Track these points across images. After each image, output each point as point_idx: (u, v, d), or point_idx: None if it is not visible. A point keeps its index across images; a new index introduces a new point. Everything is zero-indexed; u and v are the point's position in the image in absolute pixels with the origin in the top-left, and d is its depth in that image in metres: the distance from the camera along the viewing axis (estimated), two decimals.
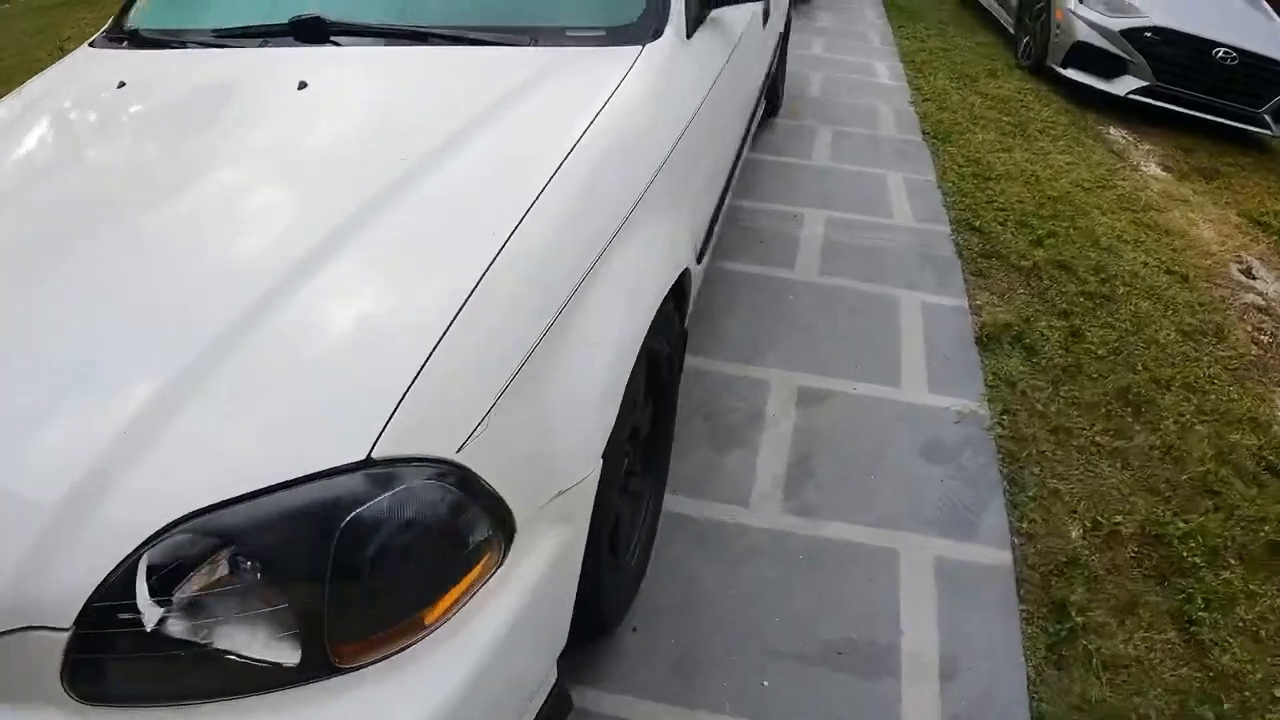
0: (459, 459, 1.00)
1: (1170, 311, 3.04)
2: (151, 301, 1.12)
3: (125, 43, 2.01)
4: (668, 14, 1.86)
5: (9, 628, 0.89)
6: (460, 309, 1.08)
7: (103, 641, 0.91)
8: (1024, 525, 2.03)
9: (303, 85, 1.64)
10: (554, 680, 1.28)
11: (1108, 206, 3.85)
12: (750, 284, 2.93)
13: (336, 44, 1.80)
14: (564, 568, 1.23)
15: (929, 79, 5.50)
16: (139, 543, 0.89)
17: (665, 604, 1.78)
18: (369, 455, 0.93)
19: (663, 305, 1.56)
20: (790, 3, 4.45)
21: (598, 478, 1.27)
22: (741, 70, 2.49)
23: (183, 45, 1.93)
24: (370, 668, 0.96)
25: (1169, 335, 2.88)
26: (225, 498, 0.90)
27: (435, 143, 1.41)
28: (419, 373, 1.00)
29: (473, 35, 1.78)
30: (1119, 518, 2.07)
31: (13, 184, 1.51)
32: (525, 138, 1.46)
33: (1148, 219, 3.78)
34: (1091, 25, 5.08)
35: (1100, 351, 2.72)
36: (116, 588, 0.89)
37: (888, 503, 2.05)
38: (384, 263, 1.17)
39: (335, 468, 0.92)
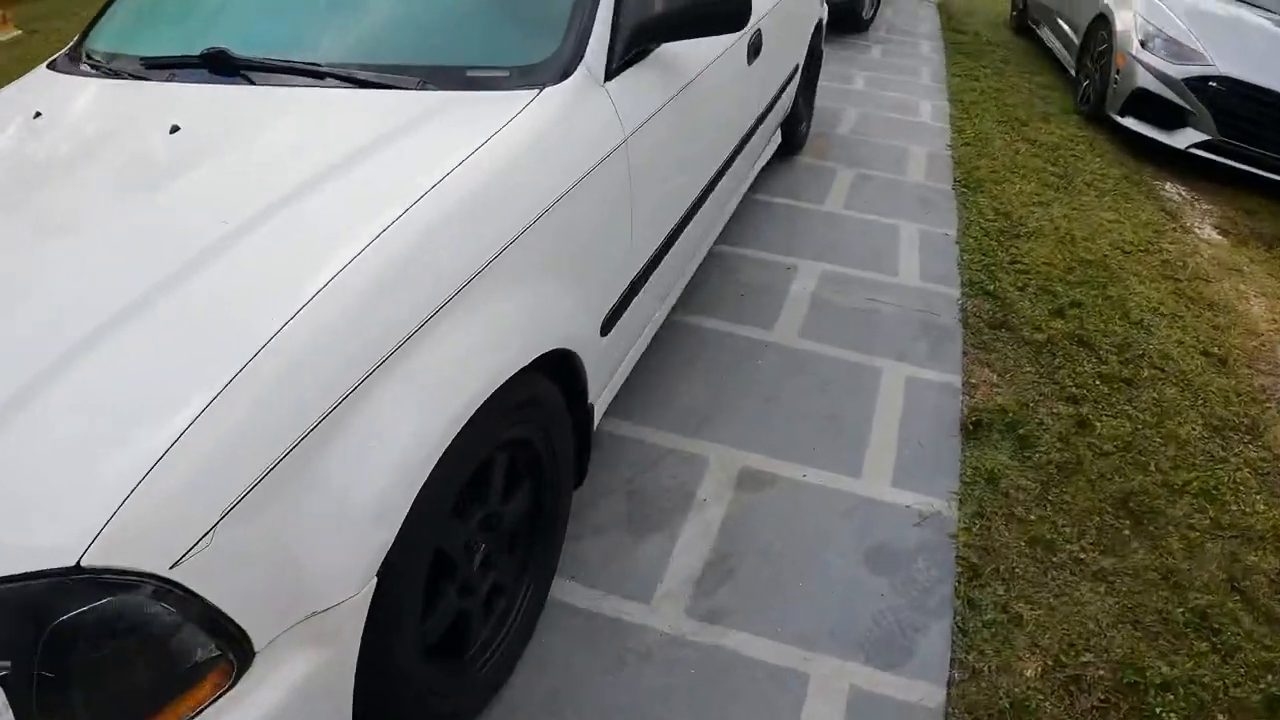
0: (173, 575, 0.94)
1: (1200, 401, 2.69)
2: None
3: (79, 64, 1.96)
4: (583, 53, 1.67)
5: None
6: (200, 413, 0.98)
7: None
8: (969, 657, 1.74)
9: (175, 129, 1.56)
10: None
11: (1148, 273, 3.49)
12: (717, 343, 2.69)
13: (248, 79, 1.71)
14: (323, 690, 1.11)
15: (974, 121, 5.18)
16: None
17: (528, 707, 1.56)
18: (78, 563, 0.89)
19: (523, 389, 1.37)
20: (819, 33, 4.20)
21: (369, 599, 1.09)
22: (704, 111, 2.27)
23: (113, 74, 1.87)
24: None
25: (1193, 430, 2.54)
26: None
27: (261, 205, 1.27)
28: (139, 483, 0.93)
29: (366, 75, 1.64)
30: (1088, 656, 1.77)
31: None
32: (355, 202, 1.29)
33: (1192, 290, 3.41)
34: (1153, 72, 4.69)
35: (1107, 447, 2.40)
36: None
37: (812, 616, 1.79)
38: (146, 354, 1.06)
39: (45, 570, 0.89)
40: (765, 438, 2.30)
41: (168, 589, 0.94)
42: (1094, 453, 2.37)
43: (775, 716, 1.58)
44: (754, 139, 3.01)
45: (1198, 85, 4.53)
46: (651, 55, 1.91)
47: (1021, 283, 3.25)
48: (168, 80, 1.77)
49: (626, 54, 1.78)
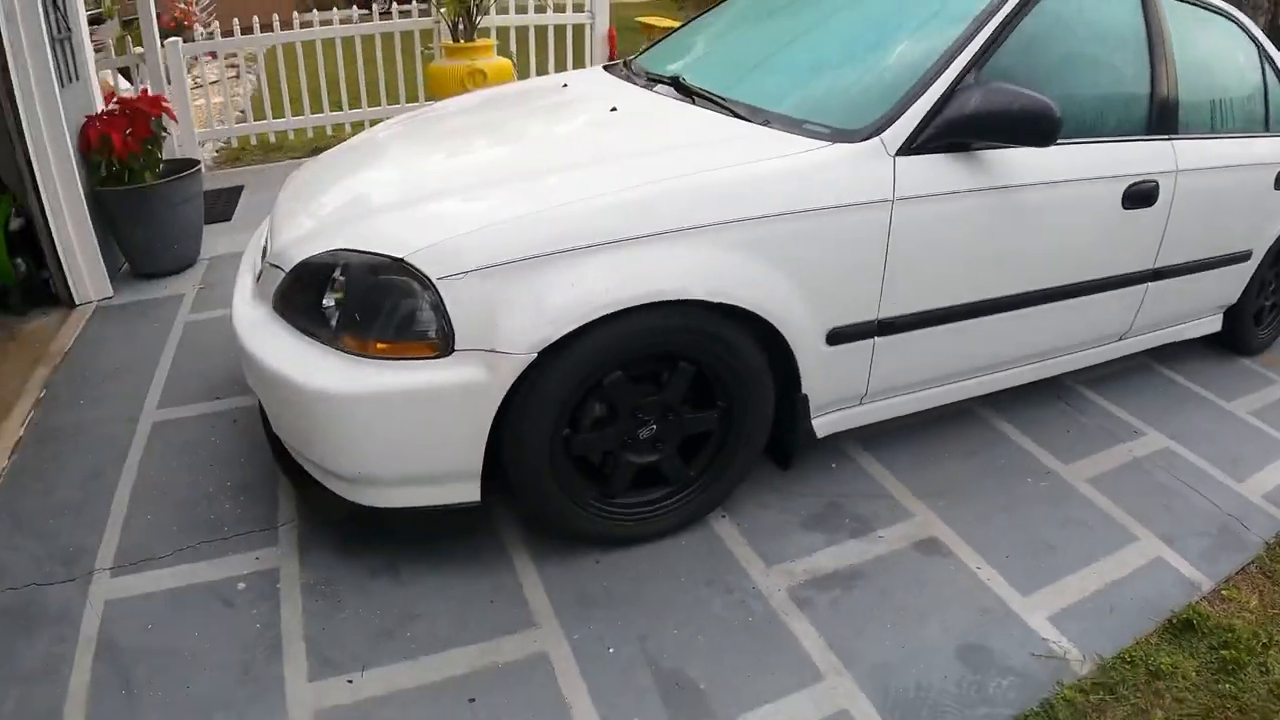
0: (437, 282, 1.95)
1: None
2: None
3: (622, 70, 3.38)
4: (884, 129, 2.31)
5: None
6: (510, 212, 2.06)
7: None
8: None
9: (614, 109, 2.71)
10: None
11: None
12: (1005, 449, 2.99)
13: (684, 96, 2.80)
14: (478, 399, 2.00)
15: None
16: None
17: None
18: (401, 258, 1.98)
19: (690, 318, 2.12)
20: None
21: (522, 366, 1.96)
22: (1026, 222, 2.69)
23: (630, 79, 3.19)
24: None
25: None
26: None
27: (627, 151, 2.39)
28: (449, 238, 1.99)
29: (734, 107, 2.56)
30: None
31: None
32: (664, 162, 2.24)
33: None
34: None
35: None
36: None
37: None
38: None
39: (389, 255, 2.01)
40: (987, 524, 2.62)
41: (428, 284, 1.87)
42: None
43: None
44: (1142, 294, 3.10)
45: None
46: (970, 153, 2.35)
47: None
48: (644, 87, 2.90)
49: (931, 142, 2.26)
